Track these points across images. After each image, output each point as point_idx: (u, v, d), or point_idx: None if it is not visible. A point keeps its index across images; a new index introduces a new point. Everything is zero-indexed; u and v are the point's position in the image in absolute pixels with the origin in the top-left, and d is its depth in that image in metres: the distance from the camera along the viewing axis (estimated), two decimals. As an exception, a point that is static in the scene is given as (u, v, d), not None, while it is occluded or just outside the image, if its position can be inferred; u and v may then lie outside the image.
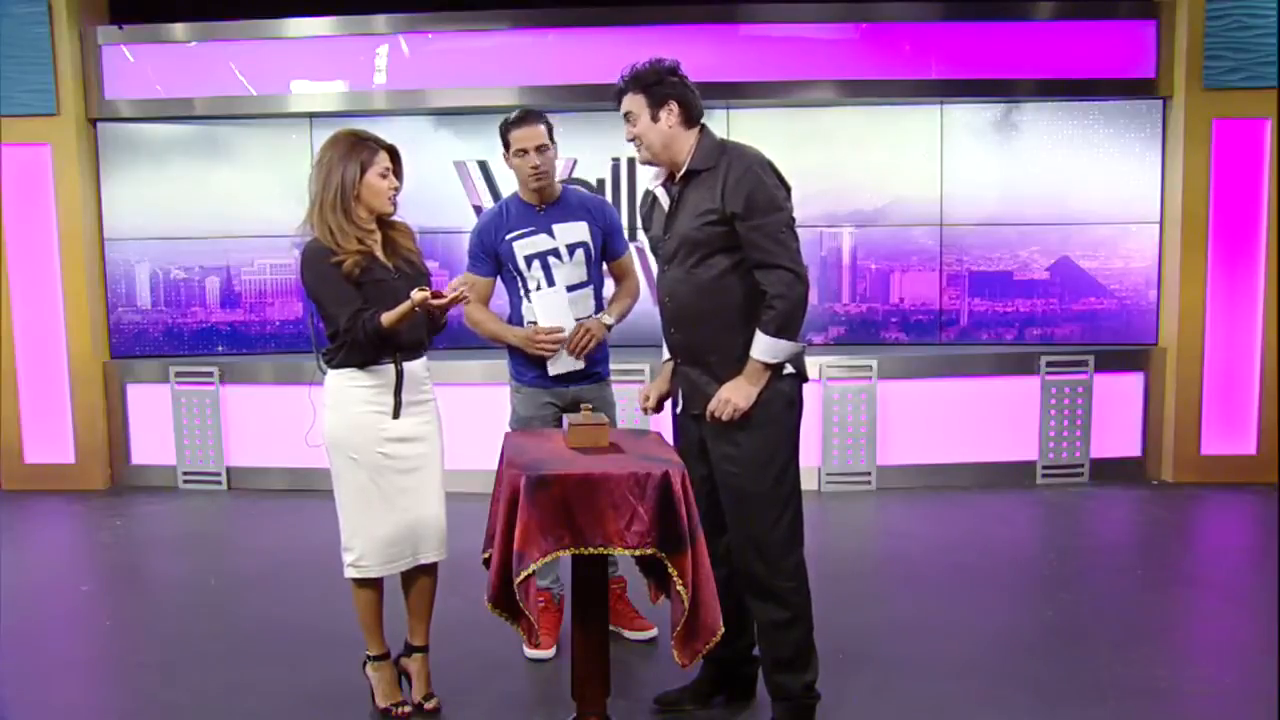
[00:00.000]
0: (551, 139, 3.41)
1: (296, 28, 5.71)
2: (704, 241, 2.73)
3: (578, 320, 3.43)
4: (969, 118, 5.84)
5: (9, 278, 5.74)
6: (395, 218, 3.02)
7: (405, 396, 2.95)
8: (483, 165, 5.90)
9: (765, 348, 2.68)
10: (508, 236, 3.41)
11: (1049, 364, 5.60)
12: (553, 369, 3.43)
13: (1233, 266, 5.56)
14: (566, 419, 2.83)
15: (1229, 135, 5.50)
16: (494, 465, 2.89)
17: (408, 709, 3.02)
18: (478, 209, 5.85)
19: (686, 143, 2.79)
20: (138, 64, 5.75)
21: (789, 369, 2.77)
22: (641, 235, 3.14)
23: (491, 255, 3.47)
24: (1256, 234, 5.53)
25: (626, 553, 2.52)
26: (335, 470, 2.97)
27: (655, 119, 2.76)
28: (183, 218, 5.95)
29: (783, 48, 5.59)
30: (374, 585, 3.01)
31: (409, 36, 5.66)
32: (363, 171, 2.89)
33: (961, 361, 5.67)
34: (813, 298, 5.84)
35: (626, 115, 2.79)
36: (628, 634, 3.58)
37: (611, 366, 3.65)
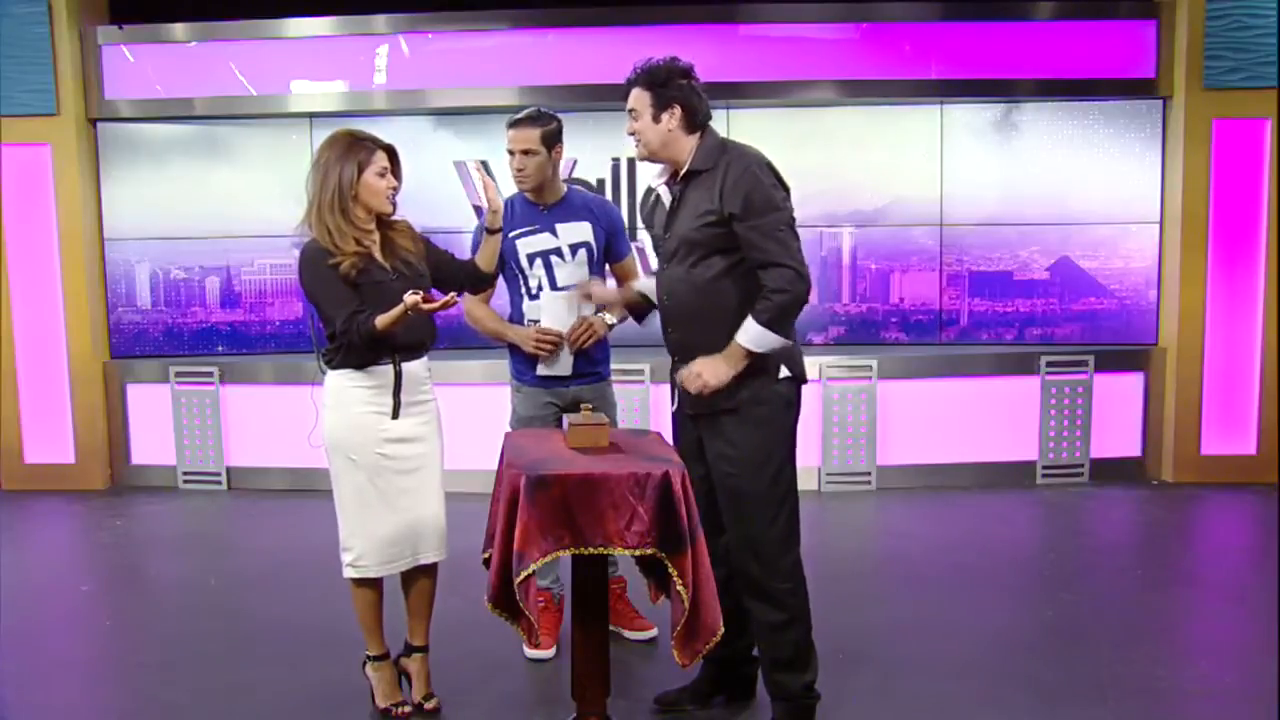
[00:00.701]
0: (550, 142, 3.39)
1: (296, 28, 5.71)
2: (702, 242, 2.74)
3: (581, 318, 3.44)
4: (969, 118, 5.84)
5: (9, 278, 5.74)
6: (396, 217, 3.02)
7: (404, 397, 2.95)
8: (483, 165, 5.90)
9: (752, 335, 2.68)
10: (511, 234, 3.41)
11: (1049, 364, 5.60)
12: (542, 369, 3.43)
13: (1233, 266, 5.56)
14: (566, 419, 2.83)
15: (1229, 135, 5.50)
16: (494, 465, 2.89)
17: (408, 709, 3.02)
18: (478, 209, 5.85)
19: (686, 145, 2.78)
20: (138, 64, 5.75)
21: (786, 371, 2.78)
22: (643, 234, 3.14)
23: None
24: (1256, 234, 5.53)
25: (626, 553, 2.53)
26: (335, 470, 2.97)
27: (656, 119, 2.76)
28: (183, 218, 5.95)
29: (783, 48, 5.59)
30: (373, 585, 3.01)
31: (409, 36, 5.66)
32: (360, 171, 2.88)
33: (961, 361, 5.67)
34: (813, 298, 5.79)
35: (630, 110, 2.79)
36: (628, 634, 3.58)
37: (612, 366, 3.65)
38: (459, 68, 5.63)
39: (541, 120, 3.39)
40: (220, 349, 6.05)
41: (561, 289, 3.43)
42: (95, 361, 5.84)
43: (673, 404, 2.95)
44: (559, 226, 3.45)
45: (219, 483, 5.78)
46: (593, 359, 3.50)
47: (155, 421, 5.83)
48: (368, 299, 2.84)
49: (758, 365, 2.73)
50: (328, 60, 5.69)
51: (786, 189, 2.77)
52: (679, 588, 2.50)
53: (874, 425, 5.54)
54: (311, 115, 5.85)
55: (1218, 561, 4.60)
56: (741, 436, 2.75)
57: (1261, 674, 3.21)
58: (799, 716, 2.85)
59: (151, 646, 3.64)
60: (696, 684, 3.06)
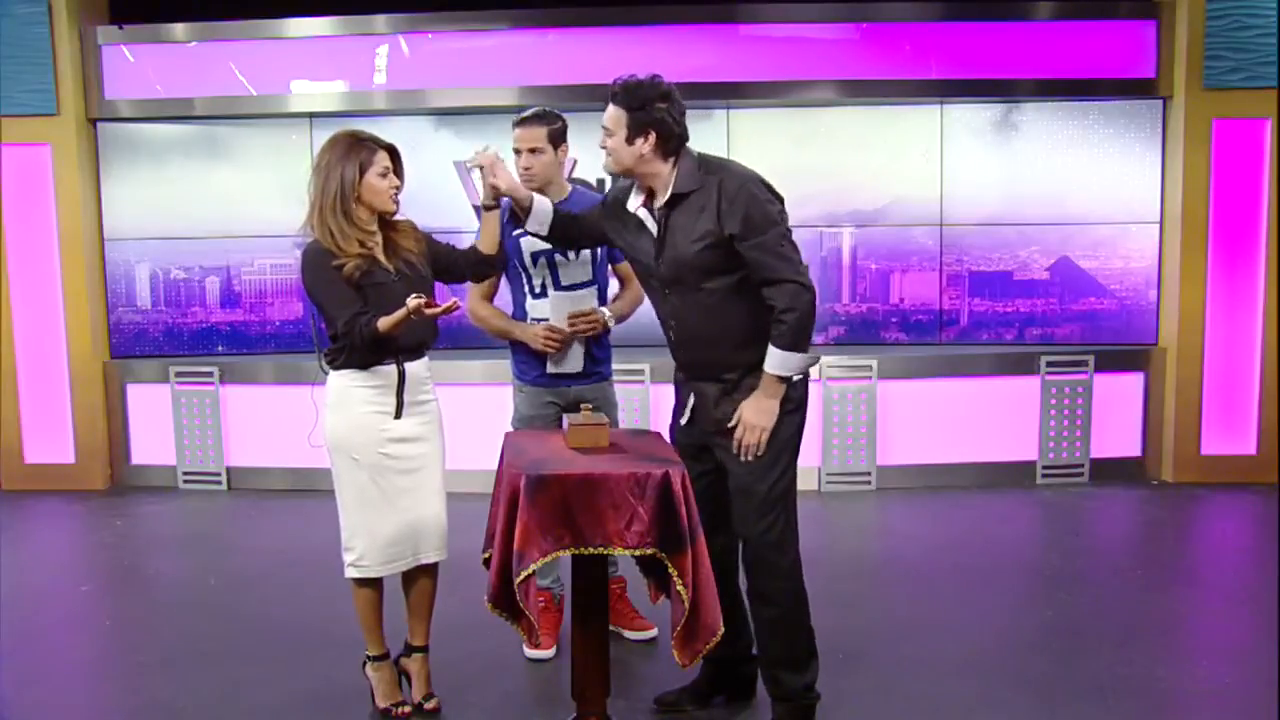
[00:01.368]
0: (556, 141, 3.40)
1: (296, 28, 5.71)
2: (703, 266, 2.70)
3: None
4: (969, 118, 5.84)
5: (9, 278, 5.73)
6: (399, 216, 3.02)
7: (407, 397, 2.95)
8: (479, 169, 5.89)
9: (779, 362, 2.67)
10: (515, 232, 3.41)
11: (1049, 364, 5.60)
12: (552, 367, 3.43)
13: (1233, 266, 5.56)
14: (566, 419, 2.83)
15: (1229, 135, 5.50)
16: (494, 465, 2.90)
17: (408, 709, 3.02)
18: (478, 209, 5.82)
19: (661, 170, 2.73)
20: (138, 64, 5.75)
21: (798, 374, 2.77)
22: None
23: None
24: (1256, 234, 5.53)
25: (626, 553, 2.53)
26: (336, 470, 2.97)
27: (630, 142, 2.70)
28: (183, 218, 5.95)
29: (783, 48, 5.59)
30: (374, 585, 3.01)
31: (409, 36, 5.66)
32: (362, 172, 2.88)
33: (961, 361, 5.67)
34: (814, 298, 5.89)
35: (604, 126, 2.74)
36: (628, 634, 3.58)
37: (613, 366, 3.65)
38: (459, 68, 5.63)
39: (548, 119, 3.40)
40: (220, 349, 6.05)
41: (565, 289, 3.43)
42: (95, 361, 5.84)
43: (681, 418, 2.93)
44: None
45: (219, 483, 5.78)
46: (595, 359, 3.50)
47: (155, 421, 5.83)
48: (370, 300, 2.84)
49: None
50: (328, 60, 5.69)
51: (780, 200, 2.74)
52: (679, 588, 2.51)
53: (874, 425, 5.54)
54: (311, 115, 5.85)
55: (1218, 561, 4.60)
56: None
57: (1261, 674, 3.21)
58: (799, 716, 2.85)
59: (151, 646, 3.64)
60: (696, 684, 3.06)
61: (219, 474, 5.79)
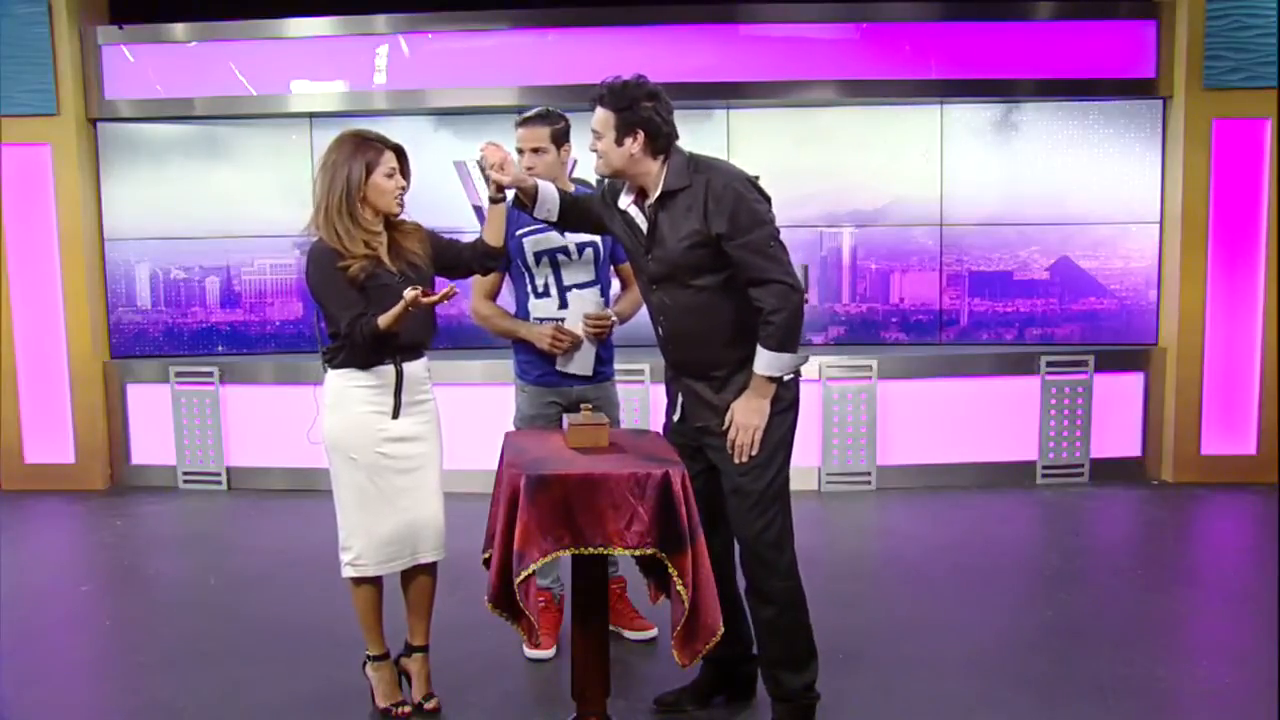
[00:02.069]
0: (560, 141, 3.41)
1: (296, 28, 5.71)
2: (691, 265, 2.71)
3: None
4: (969, 118, 5.84)
5: (9, 278, 5.74)
6: (404, 216, 3.02)
7: (405, 397, 2.95)
8: (480, 164, 5.89)
9: (768, 363, 2.67)
10: (518, 232, 3.41)
11: (1049, 364, 5.60)
12: (562, 366, 3.43)
13: (1233, 266, 5.56)
14: (566, 419, 2.83)
15: (1229, 135, 5.50)
16: (494, 465, 2.90)
17: (408, 709, 3.02)
18: (478, 209, 5.85)
19: (651, 169, 2.73)
20: (138, 64, 5.75)
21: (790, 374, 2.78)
22: None
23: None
24: (1256, 234, 5.53)
25: (626, 553, 2.53)
26: (334, 470, 2.97)
27: (619, 143, 2.70)
28: (183, 218, 5.95)
29: (783, 48, 5.59)
30: (373, 584, 3.01)
31: (409, 36, 5.66)
32: (368, 172, 2.88)
33: (961, 361, 5.67)
34: (813, 298, 5.90)
35: (594, 129, 2.73)
36: (628, 634, 3.58)
37: (614, 367, 3.65)
38: (459, 68, 5.63)
39: (551, 119, 3.41)
40: (220, 349, 6.05)
41: (569, 288, 3.43)
42: (95, 361, 5.85)
43: (674, 414, 2.94)
44: None
45: (219, 483, 5.78)
46: (599, 359, 3.50)
47: (155, 421, 5.83)
48: (374, 301, 2.84)
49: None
50: (328, 60, 5.69)
51: (768, 200, 2.74)
52: (679, 588, 2.51)
53: (874, 425, 5.54)
54: (311, 115, 5.86)
55: (1218, 561, 4.60)
56: None
57: (1261, 674, 3.21)
58: (799, 716, 2.85)
59: (151, 646, 3.64)
60: (696, 684, 3.06)
61: (219, 474, 5.79)
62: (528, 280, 3.47)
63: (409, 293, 2.73)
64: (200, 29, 5.73)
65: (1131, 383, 5.73)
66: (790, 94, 5.66)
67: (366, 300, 2.84)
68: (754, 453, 2.71)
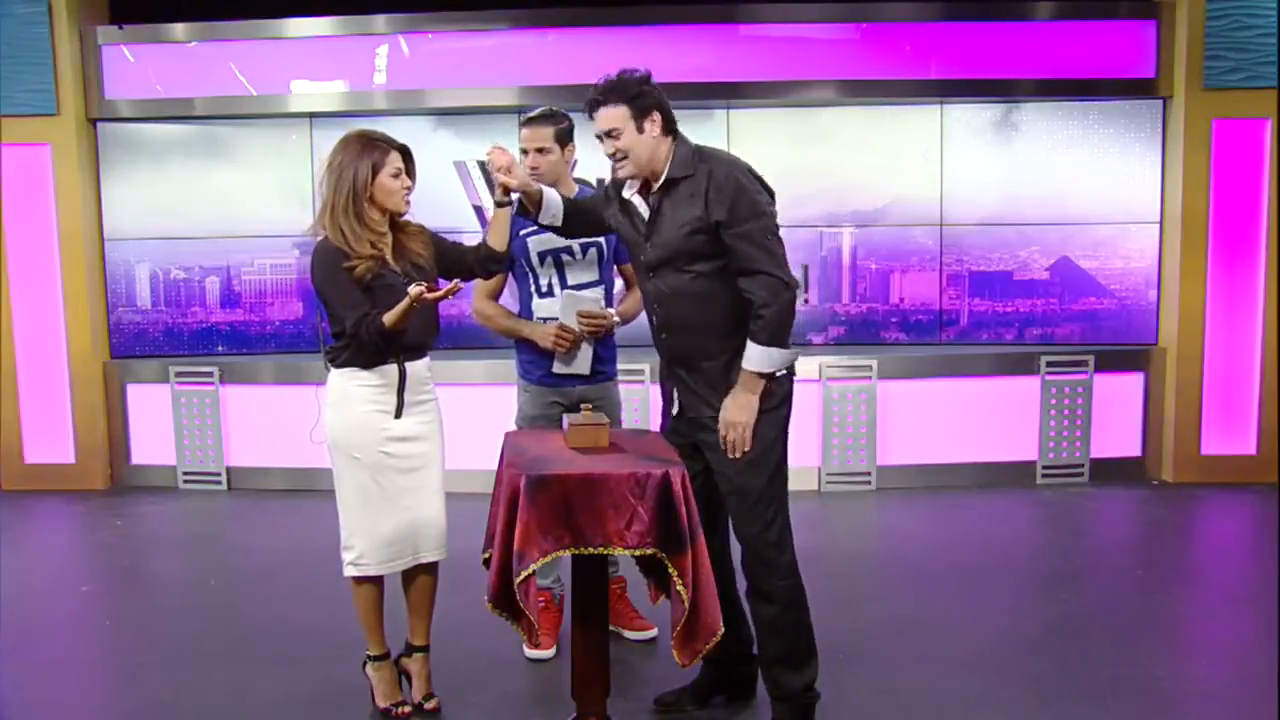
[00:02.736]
0: (563, 140, 3.41)
1: (296, 28, 5.71)
2: (689, 251, 2.72)
3: None
4: (969, 118, 5.84)
5: (9, 278, 5.74)
6: (409, 217, 3.02)
7: (407, 396, 2.95)
8: (483, 165, 5.90)
9: (757, 358, 2.67)
10: (522, 232, 3.41)
11: (1049, 364, 5.60)
12: (559, 367, 3.43)
13: (1233, 266, 5.56)
14: (566, 419, 2.83)
15: (1229, 135, 5.50)
16: (494, 465, 2.90)
17: (408, 709, 3.02)
18: (478, 209, 5.85)
19: (665, 150, 2.75)
20: (138, 64, 5.75)
21: (782, 369, 2.78)
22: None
23: None
24: (1256, 234, 5.53)
25: (626, 553, 2.53)
26: (337, 469, 2.97)
27: (641, 130, 2.71)
28: (183, 218, 5.95)
29: (783, 48, 5.59)
30: (374, 584, 3.01)
31: (409, 36, 5.66)
32: (375, 173, 2.88)
33: (961, 361, 5.67)
34: (813, 298, 5.90)
35: (609, 132, 2.72)
36: (628, 634, 3.58)
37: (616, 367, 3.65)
38: (459, 68, 5.63)
39: (555, 118, 3.41)
40: (220, 349, 6.05)
41: (572, 288, 3.44)
42: (95, 361, 5.85)
43: (672, 409, 2.94)
44: None
45: (219, 483, 5.78)
46: (600, 359, 3.50)
47: (155, 421, 5.83)
48: (378, 301, 2.84)
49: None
50: (328, 60, 5.69)
51: (771, 194, 2.75)
52: (679, 588, 2.51)
53: (874, 425, 5.54)
54: (311, 115, 5.86)
55: (1218, 561, 4.60)
56: None
57: (1261, 674, 3.21)
58: (799, 716, 2.85)
59: (151, 646, 3.64)
60: (696, 684, 3.06)
61: (219, 474, 5.79)
62: (531, 280, 3.47)
63: (413, 289, 2.73)
64: (200, 29, 5.73)
65: (1131, 383, 5.73)
66: (790, 94, 5.66)
67: (371, 300, 2.85)
68: (746, 449, 2.71)
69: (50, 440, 5.84)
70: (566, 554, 2.53)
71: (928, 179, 5.87)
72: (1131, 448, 5.75)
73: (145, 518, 5.37)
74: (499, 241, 3.11)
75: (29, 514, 5.43)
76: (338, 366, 2.95)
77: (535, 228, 3.41)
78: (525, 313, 3.52)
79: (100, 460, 5.88)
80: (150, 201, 5.94)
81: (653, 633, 3.57)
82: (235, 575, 4.39)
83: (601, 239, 3.46)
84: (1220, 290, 5.56)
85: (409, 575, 3.05)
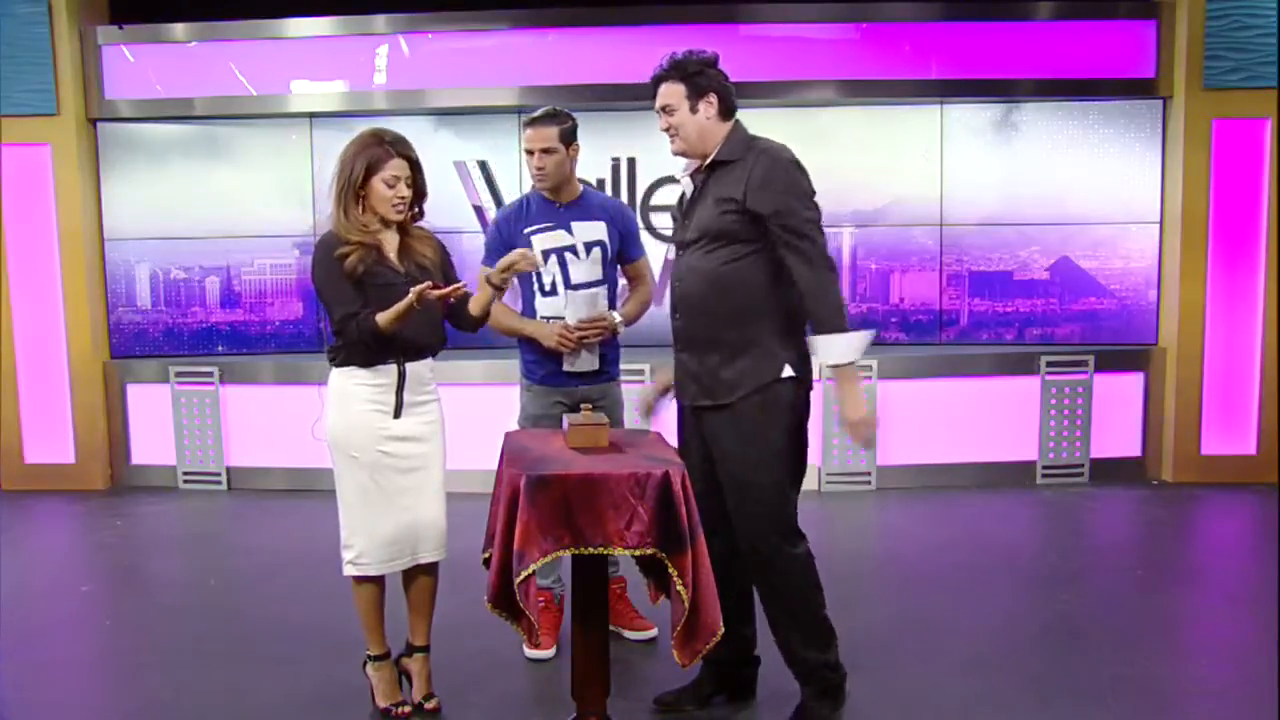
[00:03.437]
0: (568, 140, 3.42)
1: (296, 28, 5.72)
2: (720, 231, 2.75)
3: None
4: (969, 118, 5.84)
5: (9, 278, 5.74)
6: (422, 224, 3.02)
7: (407, 396, 2.95)
8: (483, 165, 5.90)
9: (828, 350, 2.70)
10: (526, 230, 3.42)
11: (1049, 364, 5.60)
12: (568, 365, 3.44)
13: (1233, 266, 5.56)
14: (566, 419, 2.83)
15: (1229, 135, 5.50)
16: (494, 465, 2.89)
17: (408, 709, 3.02)
18: (478, 209, 5.86)
19: (719, 134, 2.80)
20: (138, 64, 5.75)
21: (789, 371, 2.78)
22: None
23: (508, 247, 3.45)
24: (1256, 234, 5.53)
25: (626, 553, 2.53)
26: (337, 468, 2.97)
27: (694, 110, 2.77)
28: (183, 218, 5.95)
29: (783, 48, 5.59)
30: (375, 584, 3.01)
31: (409, 36, 5.66)
32: (369, 173, 2.88)
33: (961, 361, 5.67)
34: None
35: (664, 107, 2.79)
36: (628, 634, 3.58)
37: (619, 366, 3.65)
38: (459, 68, 5.63)
39: (559, 119, 3.42)
40: (220, 349, 6.05)
41: (575, 287, 3.44)
42: (95, 361, 5.85)
43: (679, 399, 2.95)
44: (575, 224, 3.46)
45: (219, 483, 5.78)
46: (604, 358, 3.50)
47: (155, 421, 5.83)
48: (374, 301, 2.83)
49: (756, 364, 2.73)
50: (328, 60, 5.70)
51: (812, 189, 2.78)
52: (679, 588, 2.50)
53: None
54: (311, 115, 5.86)
55: (1218, 561, 4.60)
56: (739, 433, 2.76)
57: (1261, 674, 3.21)
58: (828, 694, 2.86)
59: (151, 646, 3.64)
60: (696, 684, 3.06)
61: (219, 474, 5.79)
62: (535, 279, 3.47)
63: (415, 289, 2.73)
64: (200, 29, 5.73)
65: (1131, 383, 5.73)
66: (790, 94, 5.66)
67: (365, 298, 2.84)
68: (873, 445, 2.74)
69: (50, 440, 5.84)
70: (566, 554, 2.53)
71: (928, 179, 5.87)
72: (1131, 448, 5.75)
73: (145, 518, 5.37)
74: (478, 310, 3.04)
75: (29, 514, 5.43)
76: (338, 366, 2.95)
77: (539, 226, 3.42)
78: (528, 311, 3.53)
79: (100, 460, 5.88)
80: (150, 201, 5.94)
81: (653, 633, 3.58)
82: (235, 575, 4.39)
83: (605, 238, 3.46)
84: (1220, 290, 5.56)
85: (409, 575, 3.05)
